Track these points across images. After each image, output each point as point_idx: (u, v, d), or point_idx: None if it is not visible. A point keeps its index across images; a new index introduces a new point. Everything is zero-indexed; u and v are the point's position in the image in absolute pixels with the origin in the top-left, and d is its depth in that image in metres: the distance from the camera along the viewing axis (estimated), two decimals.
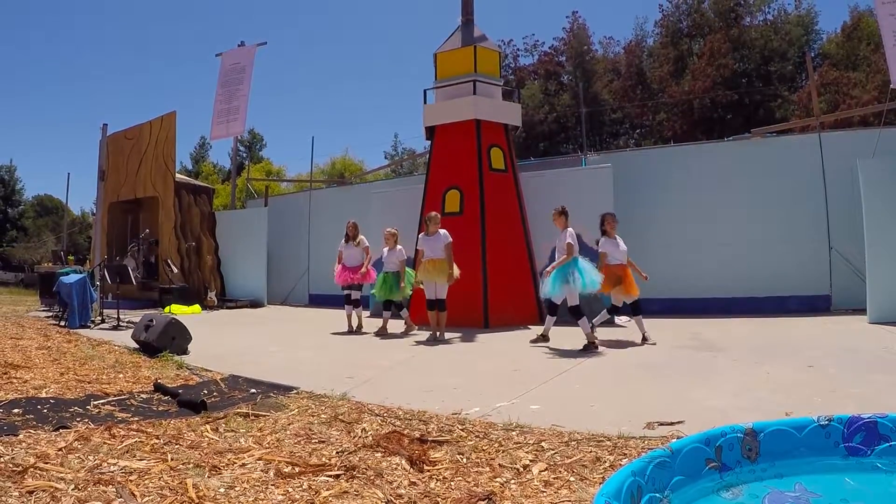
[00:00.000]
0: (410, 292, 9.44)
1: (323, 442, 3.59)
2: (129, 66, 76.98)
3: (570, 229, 7.71)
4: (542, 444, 3.47)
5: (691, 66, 31.16)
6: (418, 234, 10.86)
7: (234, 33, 78.61)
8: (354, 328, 9.76)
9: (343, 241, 9.94)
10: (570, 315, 7.59)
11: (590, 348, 7.23)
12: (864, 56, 27.25)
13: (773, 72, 30.08)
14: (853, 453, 2.38)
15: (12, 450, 3.26)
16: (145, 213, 17.60)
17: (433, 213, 8.95)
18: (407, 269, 9.30)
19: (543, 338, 7.88)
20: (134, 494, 2.68)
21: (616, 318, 10.29)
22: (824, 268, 10.64)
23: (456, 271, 8.52)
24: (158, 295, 15.00)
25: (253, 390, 5.21)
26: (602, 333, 8.76)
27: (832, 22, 50.72)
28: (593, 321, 7.68)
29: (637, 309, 7.91)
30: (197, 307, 14.26)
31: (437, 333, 8.50)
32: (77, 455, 3.21)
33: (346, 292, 9.87)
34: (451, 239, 8.55)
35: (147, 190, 16.45)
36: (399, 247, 9.29)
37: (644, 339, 7.62)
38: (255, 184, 23.32)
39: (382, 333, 9.08)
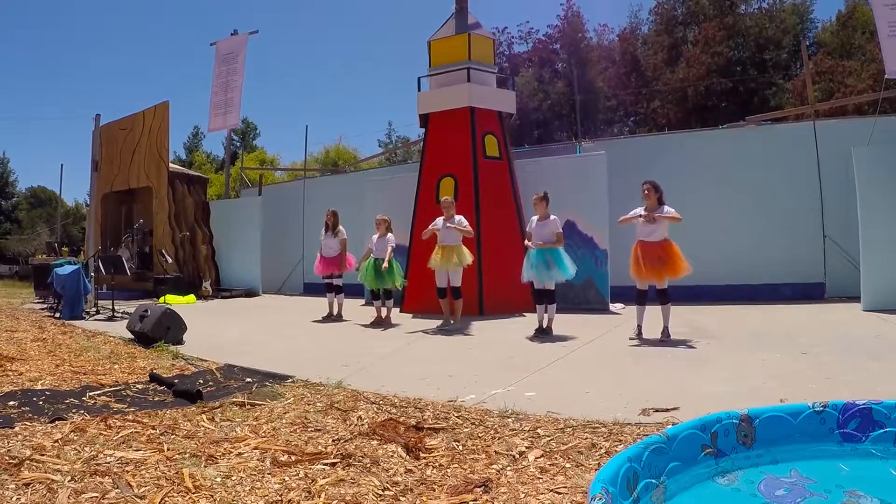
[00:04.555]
0: (401, 284, 9.40)
1: (319, 430, 3.59)
2: (121, 55, 76.41)
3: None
4: (538, 430, 3.48)
5: (686, 54, 31.13)
6: (413, 221, 10.89)
7: (226, 21, 78.02)
8: (334, 314, 9.88)
9: (323, 230, 9.97)
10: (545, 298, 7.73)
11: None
12: (859, 45, 27.27)
13: (768, 60, 30.08)
14: (848, 440, 2.39)
15: (8, 442, 3.25)
16: (139, 204, 17.51)
17: (448, 198, 8.94)
18: (393, 260, 9.21)
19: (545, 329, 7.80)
20: (130, 485, 2.68)
21: (611, 305, 10.35)
22: (818, 256, 10.68)
23: (468, 257, 8.49)
24: (153, 285, 14.97)
25: (248, 379, 5.21)
26: (599, 322, 8.80)
27: (827, 10, 50.65)
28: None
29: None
30: (192, 297, 14.24)
31: (452, 321, 8.49)
32: (73, 446, 3.21)
33: (326, 280, 10.06)
34: (465, 225, 8.54)
35: (141, 180, 16.37)
36: (389, 234, 9.26)
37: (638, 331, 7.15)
38: (248, 173, 23.26)
39: (375, 323, 9.05)
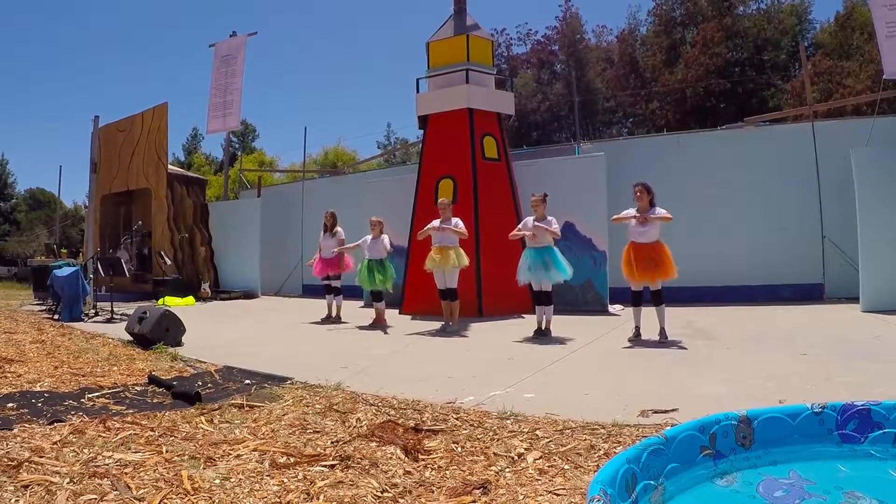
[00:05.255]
0: (391, 287, 9.36)
1: (318, 432, 3.59)
2: (120, 57, 76.40)
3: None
4: (537, 432, 3.47)
5: (684, 55, 31.18)
6: (411, 223, 10.88)
7: (225, 23, 77.93)
8: (333, 316, 9.86)
9: (322, 232, 9.96)
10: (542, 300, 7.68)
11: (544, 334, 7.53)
12: (858, 46, 27.31)
13: (767, 61, 30.15)
14: (847, 440, 2.39)
15: (7, 444, 3.24)
16: (138, 205, 17.52)
17: (444, 200, 8.93)
18: (386, 260, 9.23)
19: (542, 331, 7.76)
20: (129, 487, 2.67)
21: (610, 306, 10.34)
22: (817, 257, 10.69)
23: (464, 259, 8.47)
24: (152, 287, 14.97)
25: (247, 381, 5.21)
26: (598, 323, 8.80)
27: (826, 11, 50.71)
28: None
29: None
30: (191, 299, 14.23)
31: (450, 323, 8.46)
32: (72, 448, 3.20)
33: (325, 282, 10.06)
34: (461, 227, 8.53)
35: (139, 182, 16.37)
36: (384, 235, 9.25)
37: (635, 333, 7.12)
38: (247, 175, 23.24)
39: (374, 324, 9.02)
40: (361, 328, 8.91)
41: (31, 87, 74.99)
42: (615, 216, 7.38)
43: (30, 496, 2.57)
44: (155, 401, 4.56)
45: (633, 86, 32.75)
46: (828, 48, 29.39)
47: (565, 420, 3.70)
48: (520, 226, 8.15)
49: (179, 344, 7.33)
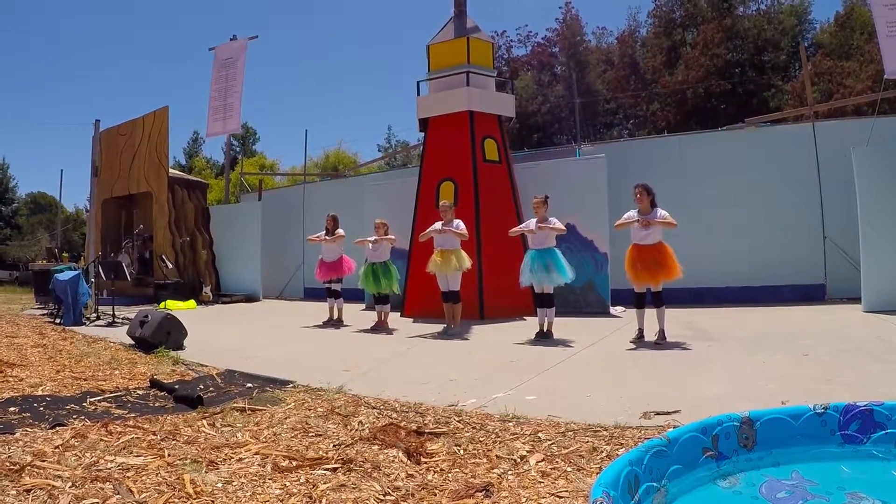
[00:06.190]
0: (397, 290, 9.37)
1: (320, 435, 3.59)
2: (121, 61, 76.48)
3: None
4: (539, 434, 3.47)
5: (685, 56, 31.20)
6: (413, 225, 10.88)
7: (225, 26, 78.11)
8: (335, 319, 9.86)
9: (324, 235, 9.95)
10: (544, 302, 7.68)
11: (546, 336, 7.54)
12: (858, 45, 27.30)
13: (767, 61, 30.15)
14: (849, 441, 2.38)
15: (9, 448, 3.24)
16: (139, 209, 17.52)
17: (446, 202, 8.92)
18: (389, 262, 9.23)
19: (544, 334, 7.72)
20: (131, 491, 2.67)
21: (612, 308, 10.33)
22: (818, 257, 10.68)
23: (466, 261, 8.44)
24: (153, 291, 14.96)
25: (249, 385, 5.21)
26: (599, 325, 8.79)
27: (826, 11, 50.71)
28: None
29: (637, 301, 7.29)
30: (192, 302, 14.24)
31: (452, 325, 8.44)
32: (74, 452, 3.21)
33: (326, 285, 10.03)
34: (463, 229, 8.52)
35: (140, 185, 16.37)
36: (390, 236, 9.23)
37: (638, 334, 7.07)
38: (248, 178, 23.24)
39: (376, 327, 9.00)
40: (363, 331, 8.90)
41: (32, 90, 75.13)
42: (617, 222, 7.36)
43: (32, 500, 2.57)
44: (157, 404, 4.57)
45: (634, 87, 32.78)
46: (828, 48, 29.40)
47: (567, 422, 3.70)
48: (522, 225, 8.17)
49: (181, 347, 7.33)
